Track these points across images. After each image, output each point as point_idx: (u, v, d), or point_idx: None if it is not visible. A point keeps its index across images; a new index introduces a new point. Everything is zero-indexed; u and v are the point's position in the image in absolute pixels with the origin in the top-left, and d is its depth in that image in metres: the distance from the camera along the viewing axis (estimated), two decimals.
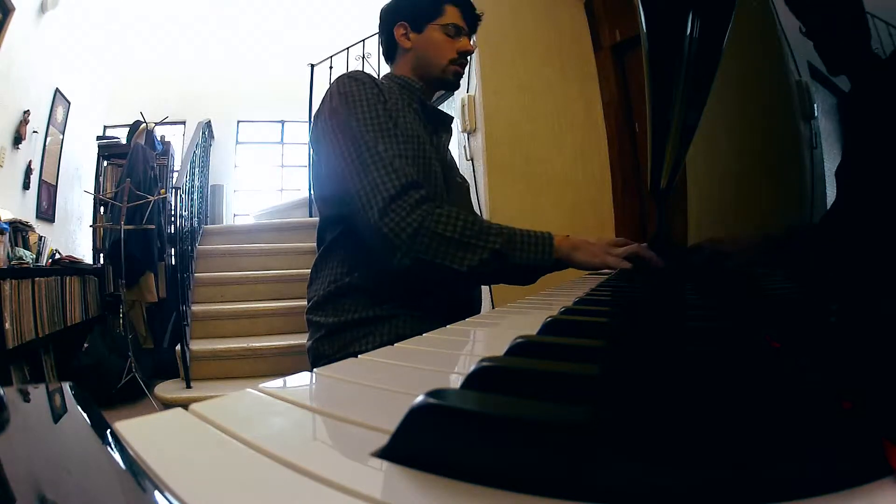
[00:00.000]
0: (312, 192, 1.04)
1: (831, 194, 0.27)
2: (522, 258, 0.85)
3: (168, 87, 5.27)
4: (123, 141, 4.28)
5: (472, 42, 1.05)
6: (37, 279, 2.84)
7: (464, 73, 1.05)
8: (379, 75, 1.09)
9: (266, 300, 3.14)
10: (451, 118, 1.10)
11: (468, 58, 1.04)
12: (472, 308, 1.01)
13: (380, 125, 0.88)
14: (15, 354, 2.64)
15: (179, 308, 2.84)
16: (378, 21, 1.07)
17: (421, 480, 0.16)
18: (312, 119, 0.95)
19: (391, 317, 0.87)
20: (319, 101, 0.96)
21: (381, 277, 0.88)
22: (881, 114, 0.22)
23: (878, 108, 0.22)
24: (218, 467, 0.17)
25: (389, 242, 0.83)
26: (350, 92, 0.90)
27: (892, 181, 0.21)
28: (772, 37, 0.37)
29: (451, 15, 1.02)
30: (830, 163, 0.27)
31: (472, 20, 1.04)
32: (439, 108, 1.08)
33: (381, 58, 1.08)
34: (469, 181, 1.15)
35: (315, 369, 0.32)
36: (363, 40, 4.26)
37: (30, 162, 3.61)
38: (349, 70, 0.98)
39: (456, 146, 2.44)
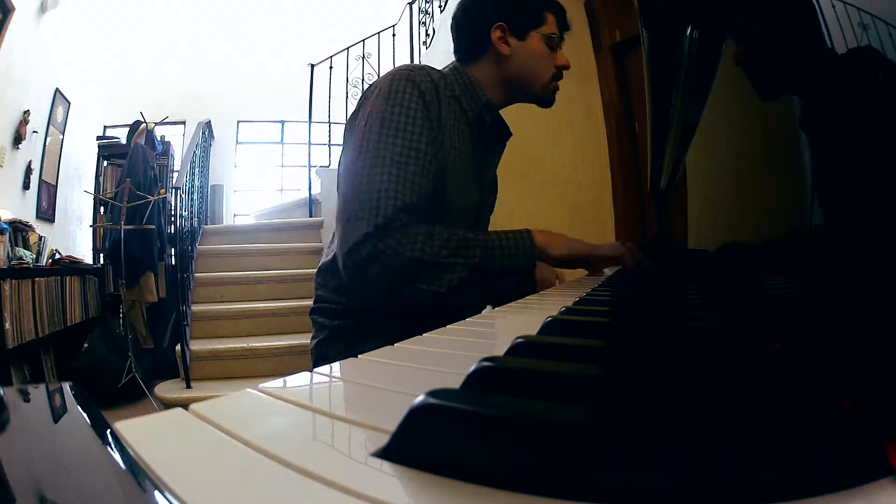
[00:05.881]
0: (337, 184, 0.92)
1: (831, 194, 0.27)
2: (505, 264, 0.80)
3: (168, 87, 5.27)
4: (123, 141, 4.28)
5: None
6: (37, 279, 2.85)
7: None
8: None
9: (266, 300, 3.14)
10: (510, 134, 1.01)
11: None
12: (476, 311, 0.99)
13: (410, 139, 0.79)
14: (15, 354, 2.64)
15: (179, 308, 2.84)
16: (459, 14, 0.94)
17: (421, 480, 0.16)
18: (359, 100, 0.87)
19: (395, 321, 0.86)
20: (372, 83, 0.87)
21: None
22: (880, 115, 0.22)
23: (878, 109, 0.22)
24: (218, 467, 0.17)
25: (356, 274, 0.77)
26: (396, 94, 0.81)
27: (892, 181, 0.21)
28: None
29: (552, 24, 0.92)
30: (830, 163, 0.27)
31: (563, 32, 0.95)
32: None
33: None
34: None
35: (315, 369, 0.32)
36: (363, 40, 4.27)
37: (30, 162, 3.61)
38: (397, 67, 0.88)
39: None
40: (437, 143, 0.82)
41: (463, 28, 0.94)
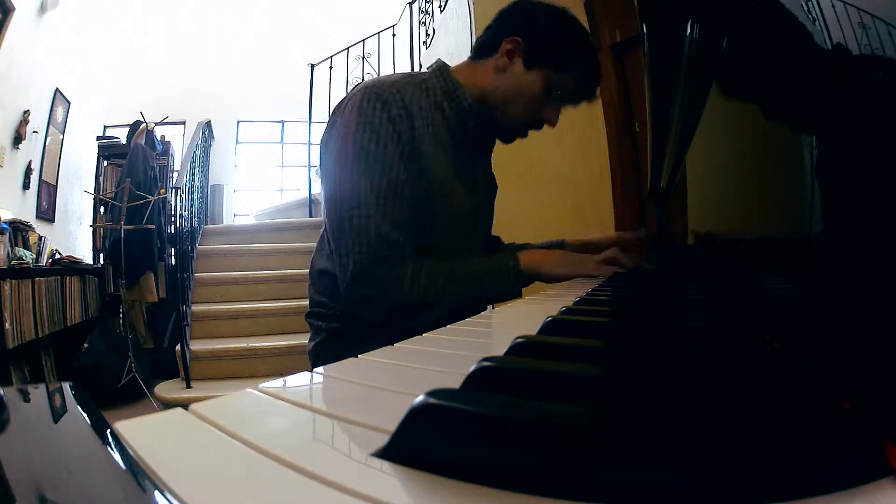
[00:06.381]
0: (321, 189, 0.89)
1: (831, 194, 0.27)
2: (491, 291, 0.86)
3: (168, 87, 5.27)
4: (123, 141, 4.28)
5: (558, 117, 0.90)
6: (37, 279, 2.84)
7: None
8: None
9: (266, 300, 3.14)
10: (496, 129, 0.93)
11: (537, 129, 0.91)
12: (476, 311, 0.98)
13: (384, 170, 0.77)
14: (15, 354, 2.64)
15: (179, 308, 2.84)
16: (506, 8, 0.88)
17: (421, 480, 0.16)
18: (330, 117, 0.84)
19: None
20: (342, 100, 0.84)
21: None
22: (881, 115, 0.22)
23: (878, 109, 0.22)
24: (218, 467, 0.17)
25: (356, 308, 0.82)
26: (367, 121, 0.78)
27: (892, 181, 0.21)
28: None
29: (569, 77, 0.86)
30: (830, 163, 0.27)
31: (582, 95, 0.90)
32: None
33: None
34: None
35: (315, 369, 0.32)
36: (363, 40, 4.26)
37: (30, 162, 3.61)
38: (366, 83, 0.84)
39: None
40: (414, 164, 0.80)
41: (493, 22, 0.89)
